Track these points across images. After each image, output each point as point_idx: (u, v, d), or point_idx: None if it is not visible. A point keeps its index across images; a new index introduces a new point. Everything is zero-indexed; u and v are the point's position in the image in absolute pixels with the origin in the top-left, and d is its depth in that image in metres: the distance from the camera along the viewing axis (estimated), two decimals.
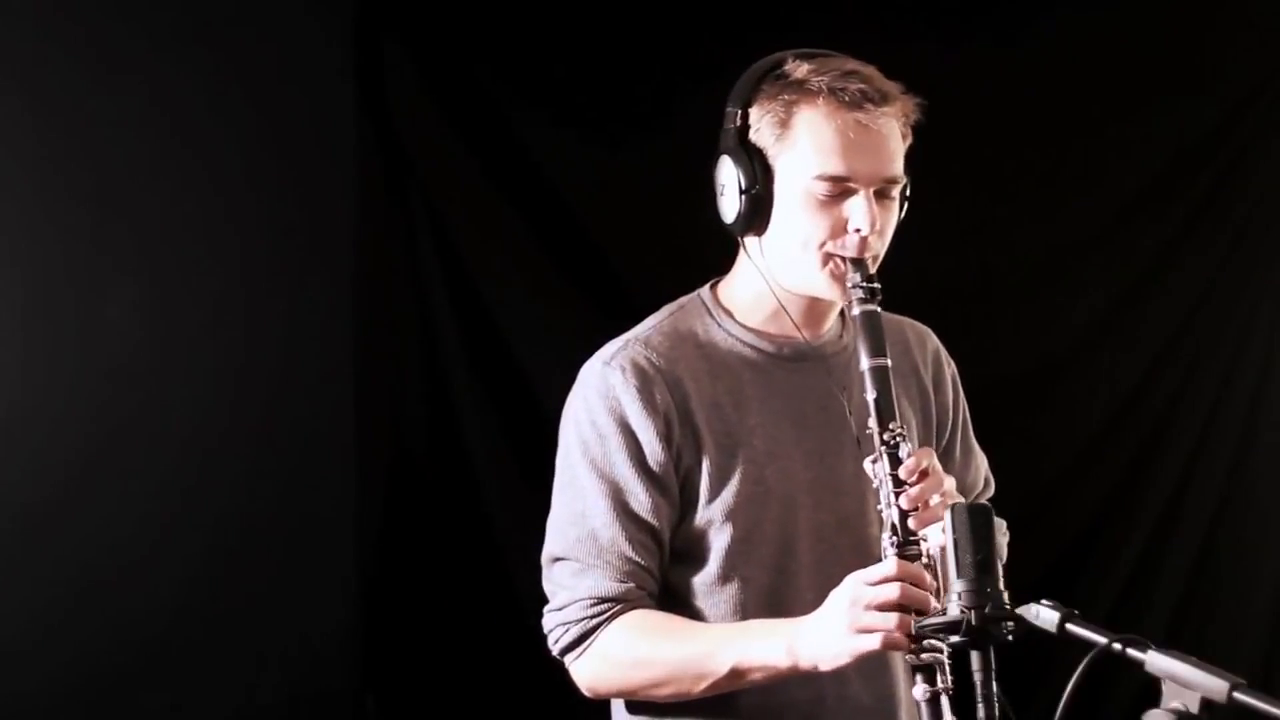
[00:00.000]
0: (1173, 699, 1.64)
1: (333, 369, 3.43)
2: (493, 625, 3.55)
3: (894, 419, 2.09)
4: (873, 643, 1.98)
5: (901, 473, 2.06)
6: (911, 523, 2.04)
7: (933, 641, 1.98)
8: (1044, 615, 1.77)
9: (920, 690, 1.99)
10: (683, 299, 2.31)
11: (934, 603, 1.98)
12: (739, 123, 2.17)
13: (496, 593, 3.55)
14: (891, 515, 2.06)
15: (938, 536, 2.03)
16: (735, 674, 2.11)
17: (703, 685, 2.14)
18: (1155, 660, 1.67)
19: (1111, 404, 3.89)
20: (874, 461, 2.09)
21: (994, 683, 1.81)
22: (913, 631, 1.97)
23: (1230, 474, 3.91)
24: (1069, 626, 1.75)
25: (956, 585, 1.82)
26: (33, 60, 3.15)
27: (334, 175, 3.43)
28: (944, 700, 1.98)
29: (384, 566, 3.50)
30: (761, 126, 2.15)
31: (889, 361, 2.11)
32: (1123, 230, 3.85)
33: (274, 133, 3.37)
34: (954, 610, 1.81)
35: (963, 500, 2.10)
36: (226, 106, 3.32)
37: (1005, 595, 1.82)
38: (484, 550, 3.56)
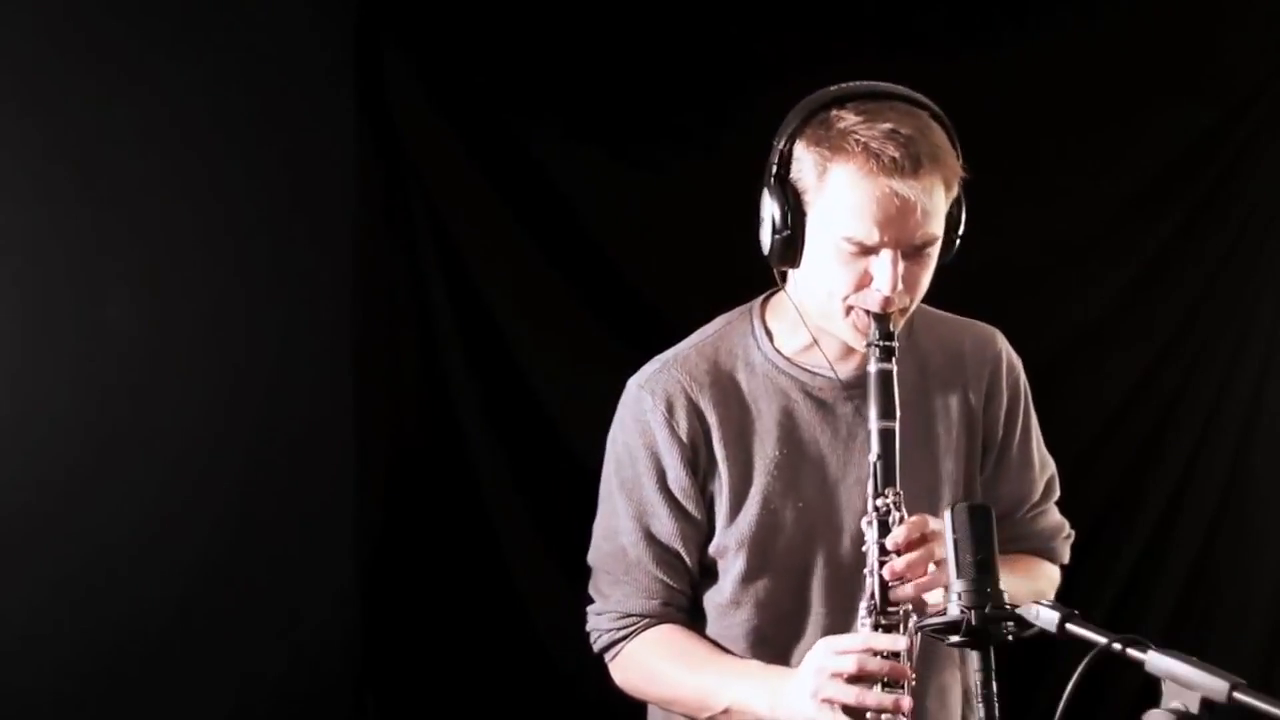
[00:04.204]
0: (1173, 699, 1.64)
1: (333, 369, 3.43)
2: (492, 625, 3.55)
3: (893, 484, 2.08)
4: None
5: (888, 542, 2.05)
6: (892, 594, 2.04)
7: (892, 715, 2.00)
8: (1044, 615, 1.77)
9: None
10: (738, 309, 2.31)
11: (903, 670, 2.01)
12: (781, 160, 2.13)
13: (496, 592, 3.55)
14: (873, 584, 2.06)
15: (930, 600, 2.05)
16: (729, 713, 2.19)
17: (704, 715, 2.22)
18: (1155, 660, 1.67)
19: (1111, 403, 3.89)
20: (868, 524, 2.09)
21: (994, 683, 1.81)
22: (908, 688, 2.00)
23: (1230, 473, 3.90)
24: (1069, 626, 1.75)
25: (956, 585, 1.82)
26: (33, 61, 3.15)
27: (334, 175, 3.43)
28: None
29: (383, 566, 3.50)
30: (801, 170, 2.12)
31: (896, 425, 2.09)
32: (1123, 229, 3.85)
33: (274, 133, 3.37)
34: (954, 610, 1.81)
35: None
36: (226, 107, 3.32)
37: (1005, 595, 1.82)
38: (483, 550, 3.56)
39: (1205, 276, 3.88)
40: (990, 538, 1.83)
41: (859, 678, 2.00)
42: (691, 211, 3.50)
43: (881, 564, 2.05)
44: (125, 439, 3.23)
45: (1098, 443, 3.88)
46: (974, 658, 1.81)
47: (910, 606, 2.05)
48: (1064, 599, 1.80)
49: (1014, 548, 2.33)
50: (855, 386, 2.22)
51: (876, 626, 2.04)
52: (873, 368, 2.10)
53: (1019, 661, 1.93)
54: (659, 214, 3.58)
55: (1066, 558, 2.42)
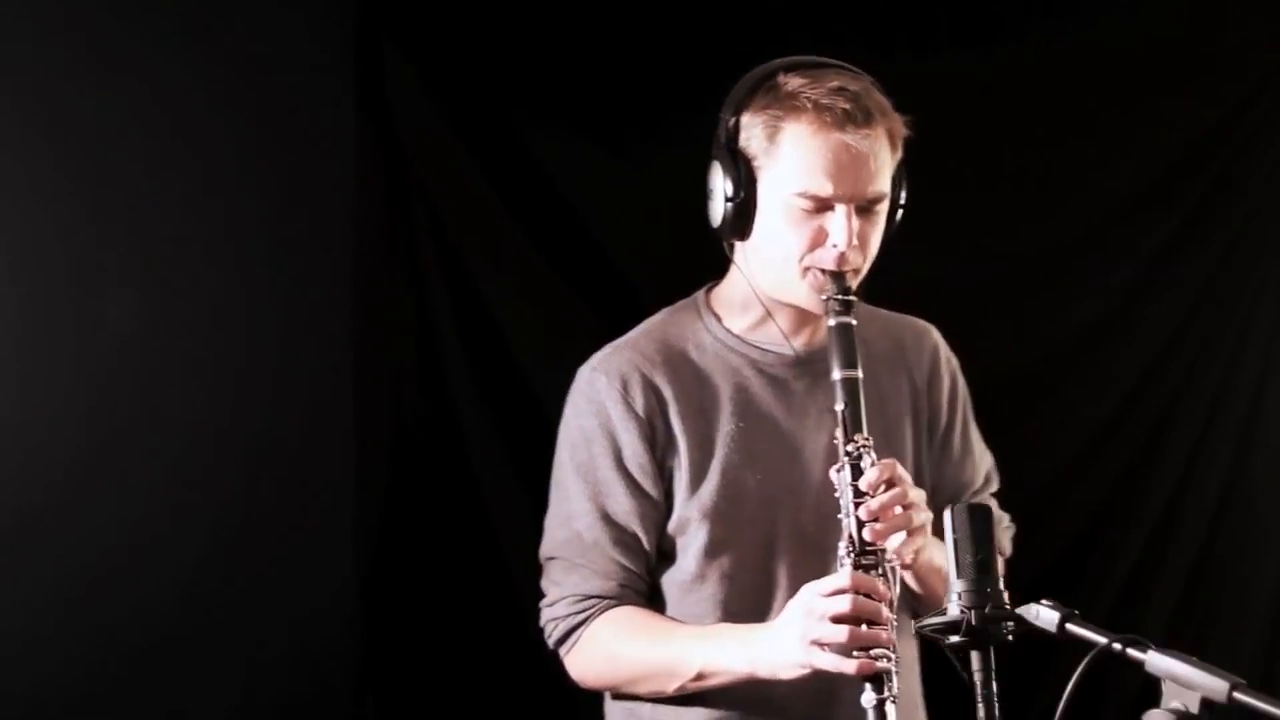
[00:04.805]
0: (1173, 699, 1.64)
1: (333, 369, 3.43)
2: (493, 625, 3.55)
3: (860, 430, 2.12)
4: (825, 662, 2.01)
5: (862, 484, 2.08)
6: (867, 534, 2.06)
7: (882, 650, 2.00)
8: (1044, 615, 1.78)
9: (868, 697, 2.01)
10: (681, 302, 2.36)
11: (886, 613, 2.01)
12: (729, 130, 2.19)
13: (496, 592, 3.55)
14: (850, 525, 2.08)
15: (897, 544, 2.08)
16: (702, 677, 2.18)
17: (674, 685, 2.20)
18: (1155, 660, 1.67)
19: (1111, 404, 3.89)
20: (838, 471, 2.11)
21: (994, 683, 1.81)
22: (891, 629, 2.03)
23: (1230, 474, 3.90)
24: (1069, 626, 1.76)
25: (956, 585, 1.82)
26: (33, 60, 3.14)
27: (334, 175, 3.43)
28: (889, 708, 2.01)
29: (383, 566, 3.50)
30: (750, 136, 2.18)
31: (859, 373, 2.13)
32: (1123, 230, 3.85)
33: (274, 133, 3.36)
34: (954, 610, 1.82)
35: (931, 515, 2.13)
36: (226, 107, 3.31)
37: (1005, 595, 1.83)
38: (484, 549, 3.56)
39: (1205, 276, 3.89)
40: (990, 538, 1.84)
41: (844, 618, 2.01)
42: (693, 212, 3.50)
43: (857, 505, 2.07)
44: (125, 438, 3.22)
45: (1098, 442, 3.88)
46: (974, 658, 1.82)
47: (887, 547, 2.07)
48: (1064, 599, 1.80)
49: None
50: (806, 363, 2.25)
51: (857, 567, 2.06)
52: (831, 322, 2.15)
53: (1019, 661, 1.93)
54: (660, 213, 3.57)
55: (1009, 549, 2.45)
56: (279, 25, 3.36)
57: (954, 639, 1.82)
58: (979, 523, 1.84)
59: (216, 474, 3.30)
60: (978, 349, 3.71)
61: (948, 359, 2.42)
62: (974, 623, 1.80)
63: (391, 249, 3.54)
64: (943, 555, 2.23)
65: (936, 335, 2.43)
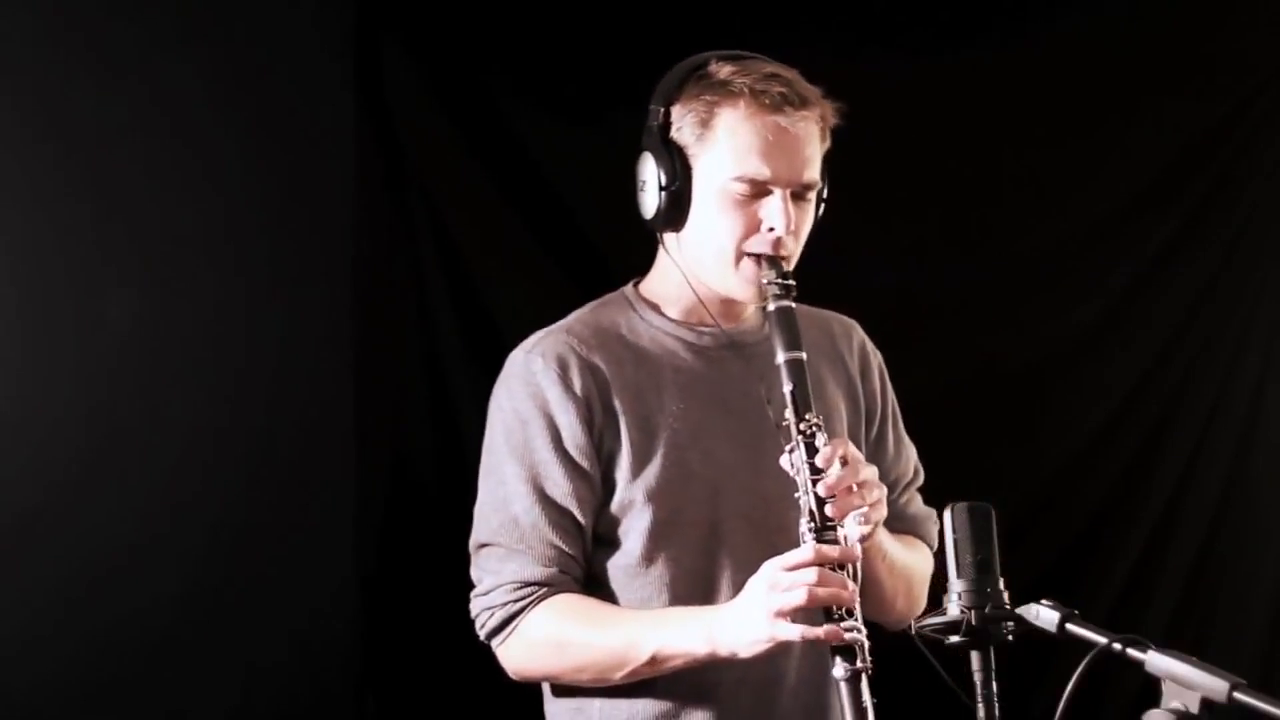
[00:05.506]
0: (1173, 699, 1.64)
1: (333, 369, 3.43)
2: None
3: (810, 410, 2.12)
4: (791, 632, 2.01)
5: (819, 461, 2.08)
6: (829, 509, 2.06)
7: (852, 621, 2.00)
8: (1044, 615, 1.78)
9: (840, 670, 2.01)
10: (606, 296, 2.35)
11: (850, 585, 2.01)
12: (661, 120, 2.20)
13: None
14: (809, 502, 2.08)
15: (854, 527, 2.07)
16: (655, 661, 2.15)
17: (623, 672, 2.17)
18: (1155, 660, 1.67)
19: (1111, 404, 3.89)
20: (791, 451, 2.11)
21: (994, 683, 1.81)
22: (856, 599, 2.01)
23: (1230, 474, 3.91)
24: (1069, 626, 1.76)
25: (956, 585, 1.83)
26: (33, 60, 3.15)
27: (334, 176, 3.43)
28: (864, 680, 2.00)
29: (384, 566, 3.50)
30: (683, 125, 2.19)
31: (804, 355, 2.14)
32: (1123, 230, 3.85)
33: (274, 133, 3.36)
34: (954, 610, 1.82)
35: (885, 490, 2.16)
36: (226, 107, 3.32)
37: (1005, 595, 1.83)
38: None
39: (1205, 276, 3.89)
40: (990, 538, 1.84)
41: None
42: None
43: (815, 482, 2.07)
44: (124, 439, 3.22)
45: (1098, 442, 3.88)
46: (974, 658, 1.82)
47: (844, 524, 2.07)
48: (1064, 599, 1.80)
49: (890, 528, 2.33)
50: (738, 345, 2.26)
51: (820, 542, 2.06)
52: (771, 306, 2.16)
53: (1019, 661, 1.93)
54: None
55: (936, 544, 2.44)
56: (279, 25, 3.37)
57: (954, 639, 1.82)
58: (979, 523, 1.84)
59: (216, 474, 3.30)
60: (978, 349, 3.74)
61: (874, 351, 2.42)
62: (974, 623, 1.80)
63: (391, 249, 3.54)
64: (890, 541, 2.25)
65: (860, 329, 2.43)
